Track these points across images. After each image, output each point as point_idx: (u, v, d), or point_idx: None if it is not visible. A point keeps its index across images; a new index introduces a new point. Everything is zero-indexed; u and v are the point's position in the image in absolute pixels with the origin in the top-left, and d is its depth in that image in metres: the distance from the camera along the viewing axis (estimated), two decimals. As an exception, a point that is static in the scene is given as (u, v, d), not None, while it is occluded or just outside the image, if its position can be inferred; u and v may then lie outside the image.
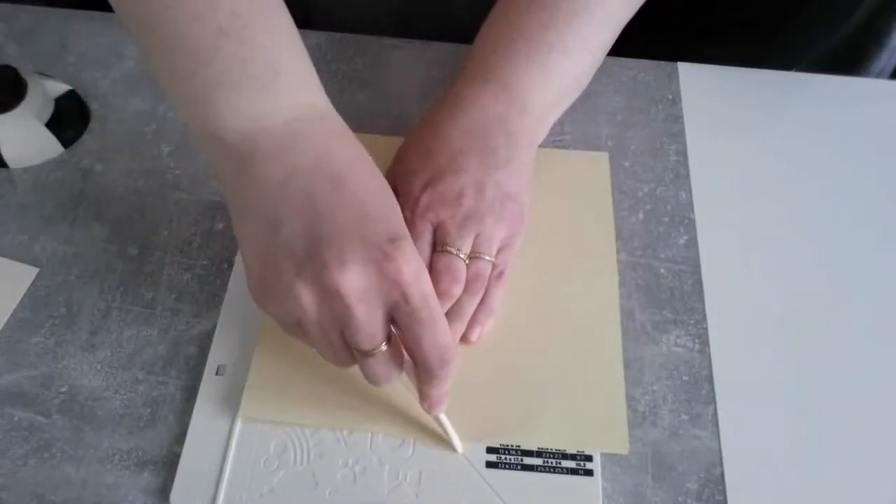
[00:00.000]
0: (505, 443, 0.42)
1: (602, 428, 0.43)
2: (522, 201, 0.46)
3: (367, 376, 0.38)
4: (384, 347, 0.36)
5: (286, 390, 0.44)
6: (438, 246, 0.44)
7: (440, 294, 0.42)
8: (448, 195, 0.44)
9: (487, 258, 0.44)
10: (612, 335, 0.46)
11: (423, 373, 0.37)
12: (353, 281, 0.33)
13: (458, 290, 0.43)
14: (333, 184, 0.35)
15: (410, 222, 0.44)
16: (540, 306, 0.47)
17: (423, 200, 0.44)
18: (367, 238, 0.34)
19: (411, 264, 0.34)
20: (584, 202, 0.52)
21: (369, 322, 0.35)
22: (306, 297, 0.34)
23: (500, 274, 0.45)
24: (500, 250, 0.45)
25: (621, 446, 0.42)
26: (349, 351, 0.37)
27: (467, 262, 0.44)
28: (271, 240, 0.35)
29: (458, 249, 0.43)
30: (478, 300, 0.44)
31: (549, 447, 0.42)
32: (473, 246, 0.44)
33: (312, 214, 0.34)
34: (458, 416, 0.43)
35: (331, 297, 0.34)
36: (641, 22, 0.50)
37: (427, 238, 0.44)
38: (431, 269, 0.43)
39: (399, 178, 0.47)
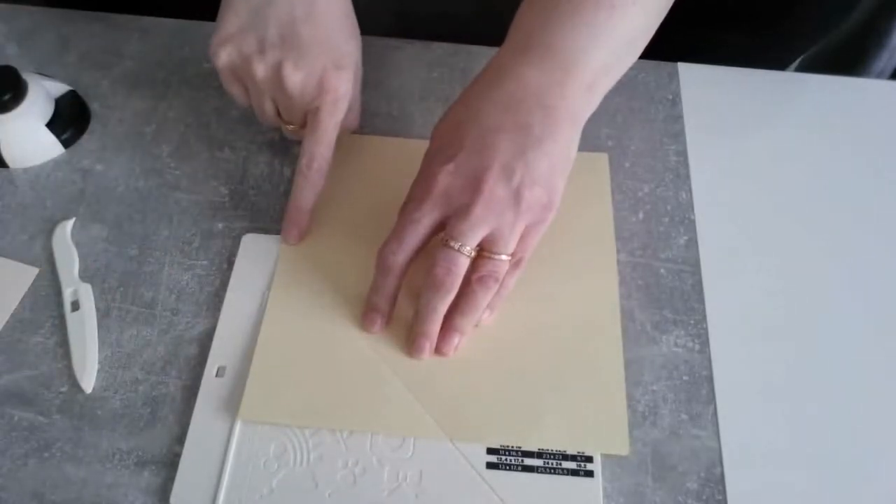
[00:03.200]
0: (506, 444, 0.42)
1: (603, 429, 0.43)
2: (552, 186, 0.42)
3: (285, 133, 0.53)
4: (296, 127, 0.50)
5: (286, 392, 0.44)
6: (444, 236, 0.42)
7: (433, 285, 0.42)
8: (469, 176, 0.41)
9: (503, 257, 0.42)
10: (612, 335, 0.46)
11: (298, 168, 0.48)
12: (297, 82, 0.45)
13: (451, 281, 0.42)
14: (310, 8, 0.46)
15: (421, 200, 0.42)
16: (540, 307, 0.47)
17: (442, 181, 0.42)
18: (322, 56, 0.45)
19: (339, 91, 0.46)
20: (583, 202, 0.51)
21: (294, 109, 0.47)
22: (259, 72, 0.45)
23: (519, 262, 0.44)
24: (521, 237, 0.43)
25: (622, 447, 0.42)
26: (274, 111, 0.49)
27: (473, 254, 0.42)
28: (256, 13, 0.45)
29: (461, 245, 0.41)
30: (492, 293, 0.43)
31: (550, 448, 0.42)
32: (487, 243, 0.42)
33: (292, 18, 0.45)
34: (459, 418, 0.43)
35: (277, 82, 0.46)
36: None
37: (426, 223, 0.42)
38: (432, 258, 0.42)
39: (427, 154, 0.45)
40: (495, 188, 0.41)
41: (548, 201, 0.42)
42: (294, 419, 0.43)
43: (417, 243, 0.43)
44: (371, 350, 0.45)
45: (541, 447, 0.42)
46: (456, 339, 0.44)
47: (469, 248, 0.42)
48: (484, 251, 0.42)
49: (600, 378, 0.44)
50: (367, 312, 0.46)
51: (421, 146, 0.45)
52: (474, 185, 0.41)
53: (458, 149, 0.42)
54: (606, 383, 0.44)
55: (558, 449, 0.42)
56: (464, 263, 0.42)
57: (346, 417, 0.43)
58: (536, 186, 0.41)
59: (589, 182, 0.53)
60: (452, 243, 0.42)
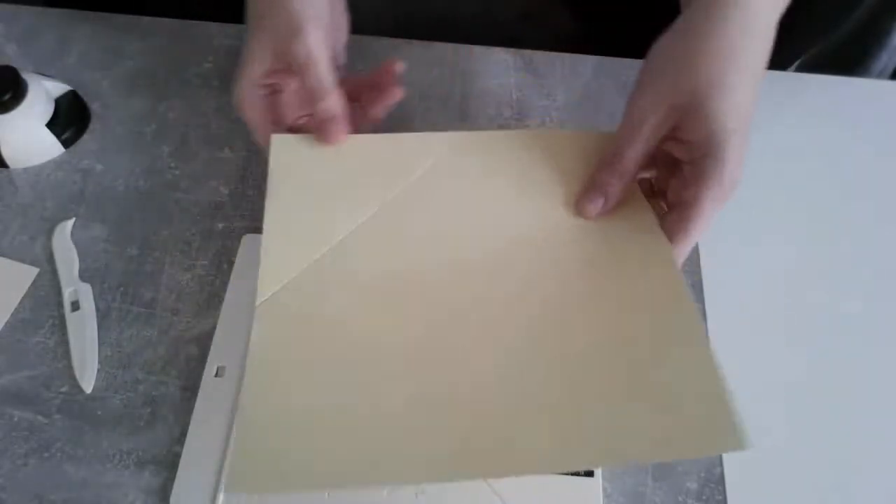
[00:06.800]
0: (599, 466, 0.37)
1: (705, 422, 0.34)
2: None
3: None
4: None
5: (282, 452, 0.35)
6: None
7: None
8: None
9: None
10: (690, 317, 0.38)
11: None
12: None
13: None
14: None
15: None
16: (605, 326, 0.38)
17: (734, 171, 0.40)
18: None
19: (234, 89, 0.46)
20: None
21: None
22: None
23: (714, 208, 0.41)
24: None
25: (737, 442, 0.33)
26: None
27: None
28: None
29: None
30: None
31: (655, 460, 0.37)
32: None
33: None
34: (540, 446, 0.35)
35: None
36: (640, 18, 0.49)
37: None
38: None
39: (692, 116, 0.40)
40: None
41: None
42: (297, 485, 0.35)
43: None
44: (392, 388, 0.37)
45: (644, 461, 0.36)
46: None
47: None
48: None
49: (686, 369, 0.36)
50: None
51: (388, 139, 0.44)
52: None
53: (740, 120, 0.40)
54: (694, 372, 0.36)
55: (659, 458, 0.36)
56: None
57: (360, 472, 0.34)
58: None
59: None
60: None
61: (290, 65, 0.45)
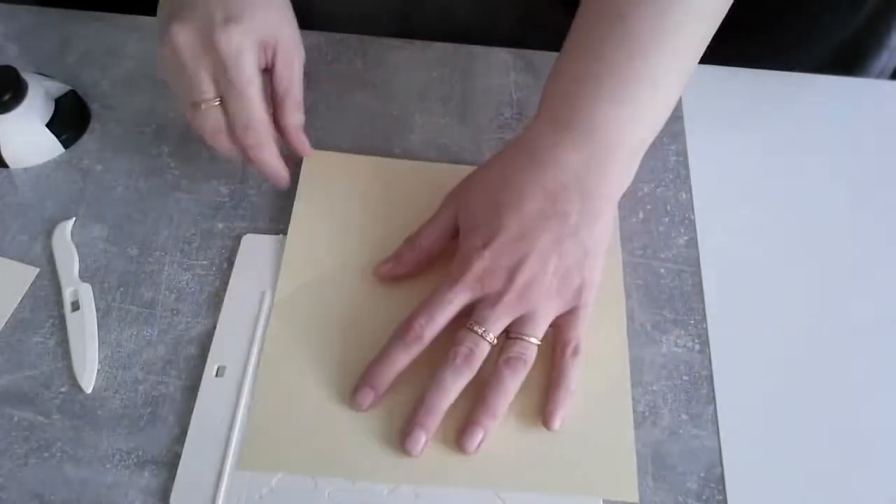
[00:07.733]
0: (514, 490, 0.41)
1: (609, 473, 0.42)
2: (586, 270, 0.43)
3: (201, 130, 0.46)
4: (213, 104, 0.45)
5: (288, 439, 0.42)
6: (470, 320, 0.42)
7: (448, 363, 0.41)
8: (503, 265, 0.42)
9: (532, 340, 0.42)
10: (621, 379, 0.45)
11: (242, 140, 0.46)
12: (183, 37, 0.43)
13: (469, 364, 0.41)
14: None
15: (455, 280, 0.42)
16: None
17: (477, 266, 0.42)
18: (207, 12, 0.43)
19: (232, 41, 0.43)
20: None
21: (195, 74, 0.44)
22: (161, 41, 0.45)
23: (576, 350, 0.43)
24: (562, 325, 0.44)
25: (630, 493, 0.41)
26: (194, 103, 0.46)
27: (495, 342, 0.42)
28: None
29: (485, 330, 0.42)
30: (520, 379, 0.42)
31: (556, 493, 0.41)
32: (515, 326, 0.42)
33: None
34: (465, 462, 0.42)
35: (169, 47, 0.44)
36: None
37: (458, 303, 0.42)
38: (454, 339, 0.42)
39: (463, 227, 0.45)
40: (528, 277, 0.42)
41: (580, 285, 0.43)
42: (299, 467, 0.42)
43: (445, 322, 0.43)
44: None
45: (547, 491, 0.41)
46: (479, 435, 0.41)
47: (492, 336, 0.42)
48: (511, 333, 0.43)
49: (608, 422, 0.43)
50: (362, 387, 0.43)
51: (416, 167, 0.49)
52: (508, 274, 0.42)
53: (495, 232, 0.43)
54: (614, 426, 0.43)
55: (563, 493, 0.41)
56: (485, 348, 0.42)
57: (356, 466, 0.42)
58: (570, 274, 0.43)
59: None
60: (477, 328, 0.42)
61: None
